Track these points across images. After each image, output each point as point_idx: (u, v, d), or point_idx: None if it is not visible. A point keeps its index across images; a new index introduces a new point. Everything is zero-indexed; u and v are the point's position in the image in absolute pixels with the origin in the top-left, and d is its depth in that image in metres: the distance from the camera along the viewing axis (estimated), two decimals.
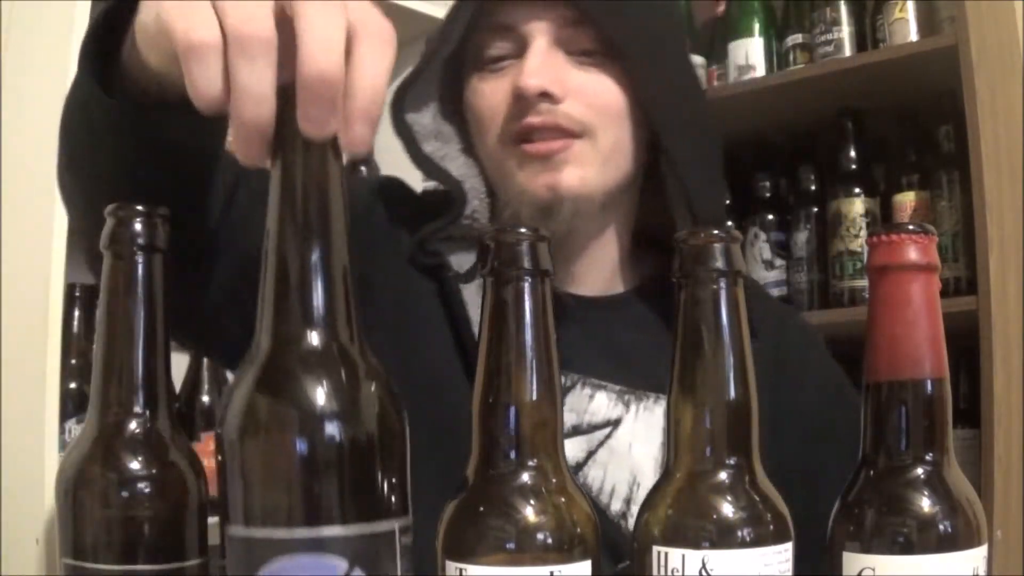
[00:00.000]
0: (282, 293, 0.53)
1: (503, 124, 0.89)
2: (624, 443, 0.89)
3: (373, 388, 0.53)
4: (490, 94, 0.91)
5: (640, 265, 1.00)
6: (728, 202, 2.07)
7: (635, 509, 0.85)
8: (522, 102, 0.87)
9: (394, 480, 0.53)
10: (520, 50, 0.89)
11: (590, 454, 0.88)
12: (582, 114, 0.88)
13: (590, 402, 0.89)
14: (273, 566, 0.49)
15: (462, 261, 0.92)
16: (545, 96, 0.86)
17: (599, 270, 0.97)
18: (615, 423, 0.89)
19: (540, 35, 0.88)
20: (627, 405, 0.90)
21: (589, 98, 0.89)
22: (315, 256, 0.53)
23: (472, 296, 0.90)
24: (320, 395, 0.51)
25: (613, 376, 0.91)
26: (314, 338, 0.52)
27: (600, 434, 0.89)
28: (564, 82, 0.87)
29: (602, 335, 0.93)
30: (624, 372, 0.91)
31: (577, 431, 0.88)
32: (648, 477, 0.88)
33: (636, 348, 0.93)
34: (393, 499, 0.52)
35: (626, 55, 0.89)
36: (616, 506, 0.87)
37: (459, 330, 0.89)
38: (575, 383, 0.90)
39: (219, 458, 0.52)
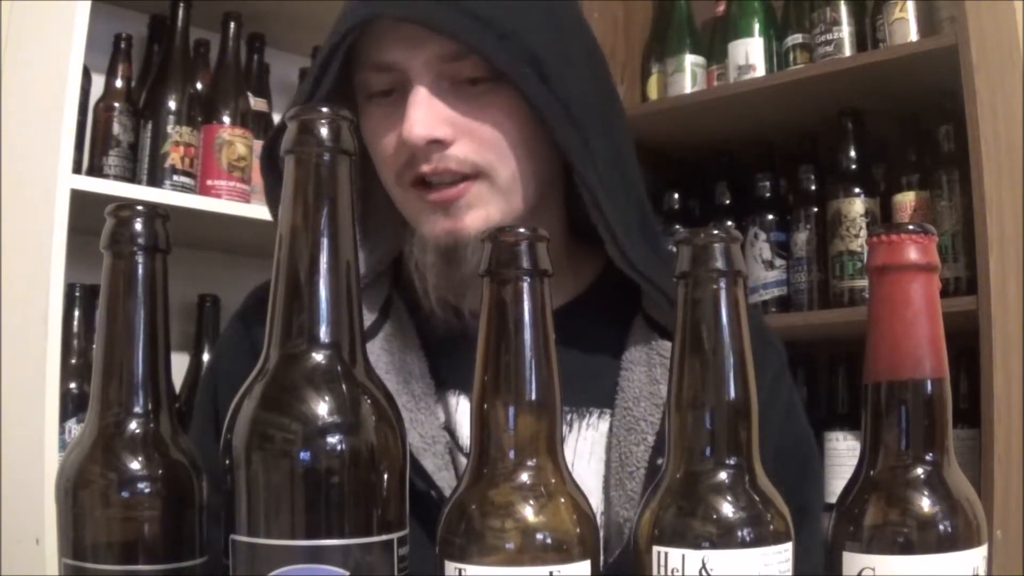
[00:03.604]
0: (290, 310, 0.54)
1: (398, 168, 0.86)
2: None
3: (373, 405, 0.54)
4: (382, 135, 0.87)
5: (582, 268, 0.97)
6: (728, 202, 2.07)
7: None
8: (412, 149, 0.84)
9: (392, 493, 0.54)
10: (404, 84, 0.85)
11: None
12: (475, 154, 0.85)
13: None
14: (275, 574, 0.50)
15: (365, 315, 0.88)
16: (435, 143, 0.83)
17: None
18: None
19: (421, 75, 0.84)
20: (569, 424, 0.88)
21: (479, 136, 0.85)
22: (322, 274, 0.54)
23: (374, 354, 0.86)
24: (322, 412, 0.52)
25: None
26: (319, 356, 0.54)
27: None
28: (452, 122, 0.84)
29: None
30: (563, 390, 0.88)
31: None
32: (595, 495, 0.86)
33: (576, 364, 0.87)
34: (391, 511, 0.53)
35: (516, 81, 0.83)
36: None
37: None
38: None
39: (226, 462, 0.53)
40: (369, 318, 0.89)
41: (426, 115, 0.83)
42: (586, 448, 0.88)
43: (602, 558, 0.82)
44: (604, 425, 0.88)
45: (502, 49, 0.83)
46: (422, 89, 0.84)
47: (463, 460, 0.85)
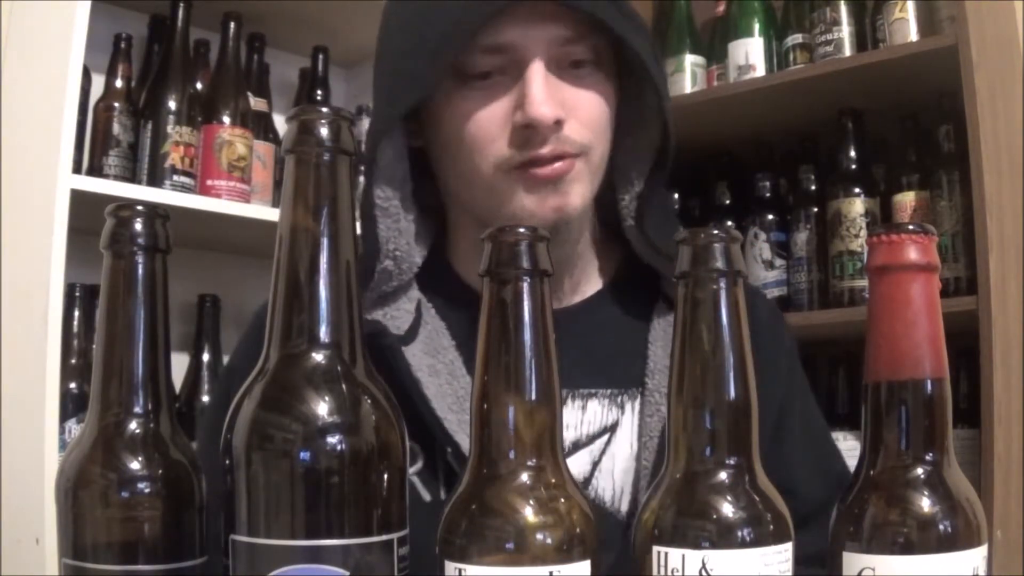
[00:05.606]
0: (290, 310, 0.54)
1: (507, 153, 0.85)
2: (625, 445, 0.88)
3: (373, 405, 0.54)
4: (484, 120, 0.86)
5: (611, 255, 0.99)
6: (728, 202, 2.07)
7: None
8: (530, 131, 0.84)
9: (392, 493, 0.54)
10: (511, 67, 0.85)
11: (595, 465, 0.88)
12: (581, 135, 0.86)
13: (583, 413, 0.89)
14: (275, 574, 0.50)
15: (401, 321, 0.89)
16: (556, 123, 0.84)
17: (572, 275, 0.95)
18: (612, 428, 0.89)
19: (538, 56, 0.85)
20: (622, 407, 0.90)
21: (584, 116, 0.87)
22: (322, 274, 0.54)
23: (417, 357, 0.87)
24: (322, 412, 0.52)
25: (601, 381, 0.90)
26: (319, 356, 0.54)
27: (600, 442, 0.89)
28: (564, 103, 0.85)
29: (582, 343, 0.92)
30: (611, 375, 0.90)
31: (577, 446, 0.88)
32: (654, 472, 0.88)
33: (618, 348, 0.92)
34: (391, 511, 0.53)
35: (644, 56, 0.87)
36: (626, 507, 0.87)
37: (410, 396, 0.83)
38: (565, 398, 0.88)
39: (226, 462, 0.53)
40: (407, 320, 0.89)
41: (548, 94, 0.84)
42: (642, 427, 0.90)
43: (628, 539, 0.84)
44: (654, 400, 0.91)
45: (629, 25, 0.87)
46: (542, 68, 0.85)
47: None
